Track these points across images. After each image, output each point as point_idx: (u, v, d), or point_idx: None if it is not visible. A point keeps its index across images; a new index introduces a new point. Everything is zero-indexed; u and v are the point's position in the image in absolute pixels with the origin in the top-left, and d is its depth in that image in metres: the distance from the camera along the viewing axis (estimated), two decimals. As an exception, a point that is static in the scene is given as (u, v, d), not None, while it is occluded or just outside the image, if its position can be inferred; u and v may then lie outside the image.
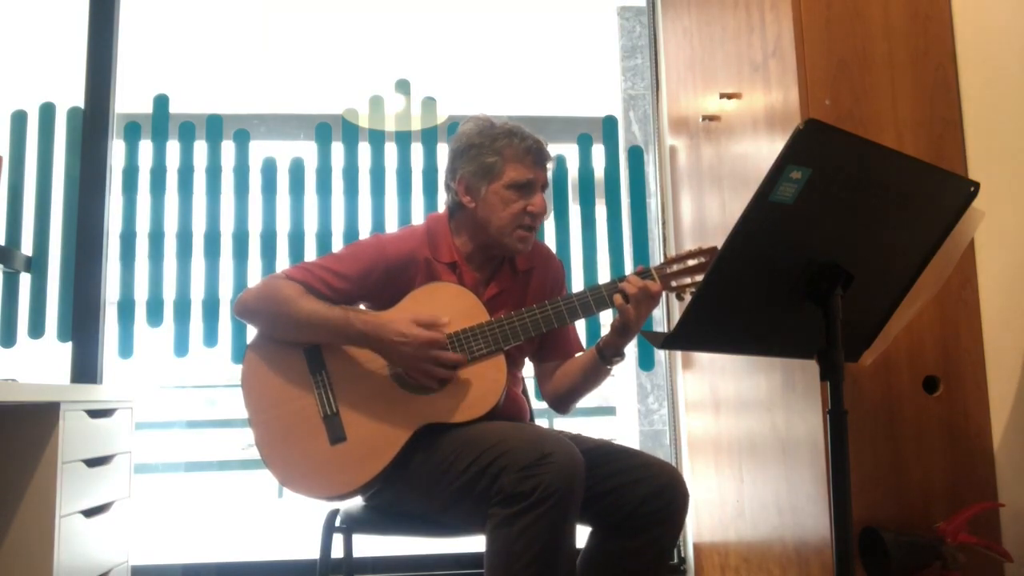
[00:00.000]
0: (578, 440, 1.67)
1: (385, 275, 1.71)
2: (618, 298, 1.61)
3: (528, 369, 1.94)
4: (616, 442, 1.75)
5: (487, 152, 1.72)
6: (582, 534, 1.58)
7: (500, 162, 1.71)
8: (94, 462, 1.99)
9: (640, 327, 1.66)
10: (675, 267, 1.65)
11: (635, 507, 1.58)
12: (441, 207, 1.86)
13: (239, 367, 1.71)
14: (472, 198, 1.74)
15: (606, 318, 1.72)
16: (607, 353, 1.72)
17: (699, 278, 1.64)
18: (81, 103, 2.69)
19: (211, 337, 2.64)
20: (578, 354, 1.88)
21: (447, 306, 1.68)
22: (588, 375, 1.78)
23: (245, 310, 1.70)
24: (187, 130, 2.72)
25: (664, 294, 1.68)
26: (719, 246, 1.62)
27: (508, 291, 1.80)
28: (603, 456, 1.64)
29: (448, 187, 1.79)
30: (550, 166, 1.79)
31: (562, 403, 1.87)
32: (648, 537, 1.58)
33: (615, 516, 1.60)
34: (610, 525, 1.62)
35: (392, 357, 1.63)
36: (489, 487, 1.46)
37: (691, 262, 1.66)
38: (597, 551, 1.64)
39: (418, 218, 2.74)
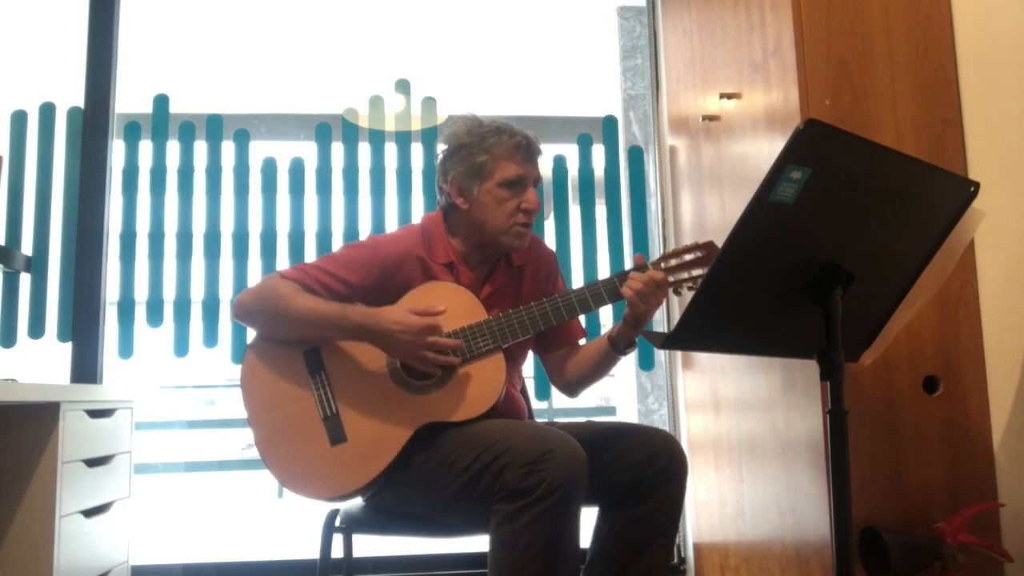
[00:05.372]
0: (569, 428, 1.70)
1: (382, 276, 1.71)
2: (627, 291, 1.62)
3: (528, 369, 1.94)
4: (604, 420, 1.77)
5: (477, 151, 1.71)
6: (589, 521, 1.59)
7: (490, 161, 1.71)
8: (94, 462, 1.99)
9: (651, 318, 1.67)
10: (672, 262, 1.66)
11: (635, 474, 1.60)
12: (437, 207, 1.86)
13: (239, 367, 1.71)
14: (465, 199, 1.74)
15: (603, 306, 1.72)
16: (620, 344, 1.73)
17: (696, 272, 1.64)
18: (81, 103, 2.69)
19: (211, 337, 2.64)
20: (582, 341, 1.89)
21: (445, 305, 1.68)
22: (600, 364, 1.80)
23: (243, 312, 1.70)
24: (187, 130, 2.72)
25: None
26: (715, 241, 1.64)
27: (504, 288, 1.80)
28: (597, 434, 1.66)
29: (440, 189, 1.79)
30: (542, 160, 1.78)
31: (572, 389, 1.89)
32: (652, 502, 1.60)
33: (617, 489, 1.62)
34: (614, 500, 1.63)
35: (391, 347, 1.62)
36: (492, 484, 1.47)
37: (687, 256, 1.66)
38: (605, 527, 1.66)
39: (418, 218, 2.73)
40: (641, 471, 1.59)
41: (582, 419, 1.99)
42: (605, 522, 1.67)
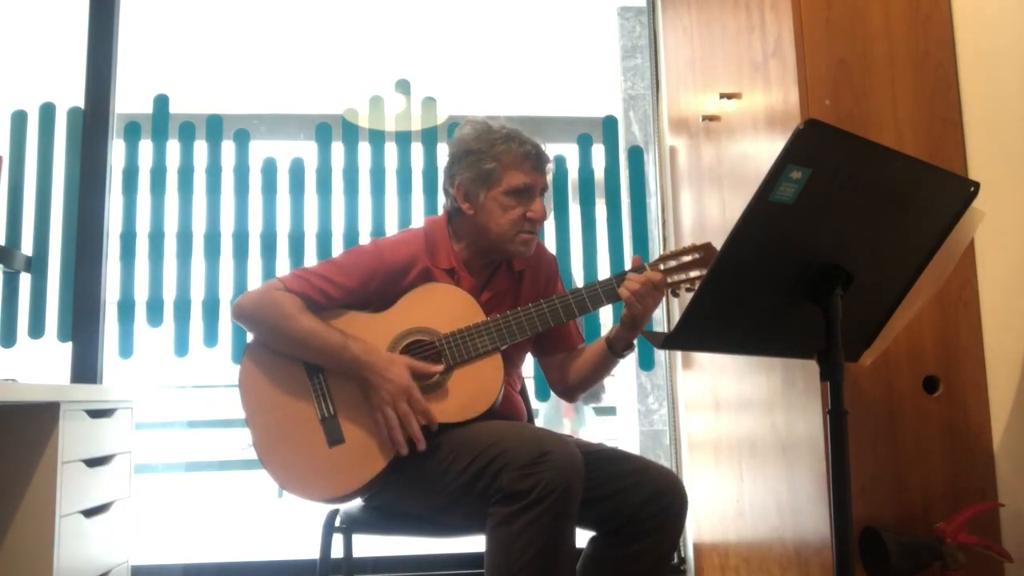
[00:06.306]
0: (577, 444, 1.67)
1: (384, 282, 1.70)
2: (624, 292, 1.61)
3: (528, 370, 1.93)
4: (615, 446, 1.75)
5: (485, 158, 1.70)
6: (582, 539, 1.58)
7: (498, 168, 1.69)
8: (94, 462, 1.99)
9: (648, 319, 1.66)
10: (670, 263, 1.66)
11: (634, 511, 1.58)
12: (440, 209, 1.85)
13: (239, 367, 1.71)
14: (471, 205, 1.72)
15: (604, 308, 1.72)
16: (617, 346, 1.72)
17: (693, 274, 1.65)
18: (81, 103, 2.69)
19: (211, 337, 2.64)
20: (581, 345, 1.88)
21: (443, 306, 1.67)
22: (599, 367, 1.79)
23: (243, 315, 1.69)
24: (187, 130, 2.72)
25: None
26: (713, 243, 1.64)
27: (504, 293, 1.79)
28: (602, 460, 1.64)
29: (446, 192, 1.78)
30: (549, 168, 1.78)
31: (571, 392, 1.88)
32: (648, 542, 1.58)
33: (614, 520, 1.60)
34: (610, 530, 1.62)
35: (371, 392, 1.60)
36: (488, 486, 1.46)
37: (685, 258, 1.66)
38: (597, 556, 1.64)
39: (418, 219, 2.74)
40: (640, 510, 1.58)
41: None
42: (596, 553, 1.65)
